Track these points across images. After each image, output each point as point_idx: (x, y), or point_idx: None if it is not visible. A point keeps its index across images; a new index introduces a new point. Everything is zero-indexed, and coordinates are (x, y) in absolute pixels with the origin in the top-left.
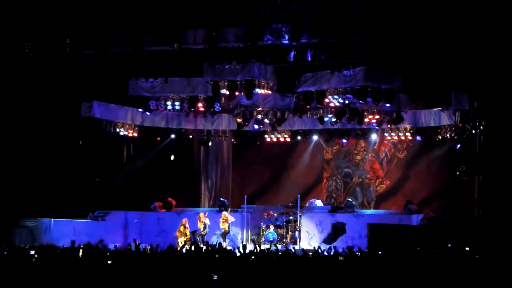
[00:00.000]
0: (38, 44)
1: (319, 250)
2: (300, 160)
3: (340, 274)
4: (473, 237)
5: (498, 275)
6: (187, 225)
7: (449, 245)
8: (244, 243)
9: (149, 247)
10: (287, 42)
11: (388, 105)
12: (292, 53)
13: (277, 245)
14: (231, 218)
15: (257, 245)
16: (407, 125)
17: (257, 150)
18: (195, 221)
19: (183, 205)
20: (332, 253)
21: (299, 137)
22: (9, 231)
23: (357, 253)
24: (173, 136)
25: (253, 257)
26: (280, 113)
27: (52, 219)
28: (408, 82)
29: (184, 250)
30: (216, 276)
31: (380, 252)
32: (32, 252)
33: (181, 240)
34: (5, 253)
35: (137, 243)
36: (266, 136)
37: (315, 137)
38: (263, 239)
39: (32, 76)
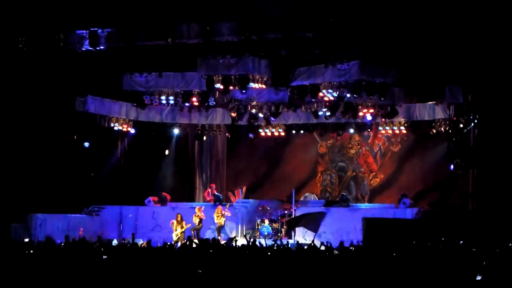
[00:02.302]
0: (32, 39)
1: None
2: (295, 154)
3: (335, 268)
4: (468, 231)
5: (492, 268)
6: (179, 218)
7: (443, 238)
8: (233, 236)
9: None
10: (281, 36)
11: (382, 99)
12: (287, 47)
13: (272, 239)
14: (226, 213)
15: (248, 238)
16: (401, 119)
17: (251, 145)
18: (190, 215)
19: (178, 199)
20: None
21: (293, 131)
22: (3, 226)
23: (351, 248)
24: (177, 131)
25: (247, 251)
26: (274, 107)
27: (47, 214)
28: (403, 76)
29: (179, 244)
30: (208, 271)
31: (375, 246)
32: (27, 240)
33: (176, 233)
34: None
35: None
36: (260, 130)
37: (309, 131)
38: (257, 233)
39: (26, 71)
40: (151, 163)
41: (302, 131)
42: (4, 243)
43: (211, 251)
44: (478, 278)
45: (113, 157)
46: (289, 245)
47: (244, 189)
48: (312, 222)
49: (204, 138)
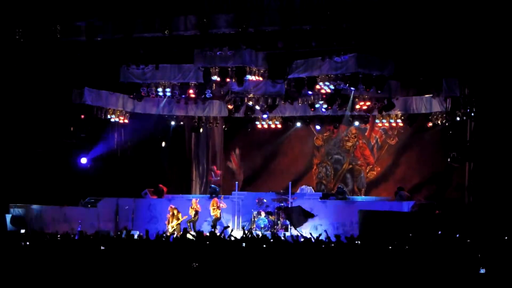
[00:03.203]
0: (29, 31)
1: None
2: (291, 146)
3: (331, 260)
4: (464, 224)
5: (488, 262)
6: (175, 211)
7: (439, 232)
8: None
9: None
10: (278, 28)
11: (379, 91)
12: (284, 40)
13: (269, 232)
14: (222, 205)
15: (247, 231)
16: (398, 112)
17: (248, 137)
18: (186, 207)
19: (174, 191)
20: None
21: (290, 124)
22: (0, 217)
23: (349, 240)
24: (173, 123)
25: (244, 244)
26: (271, 99)
27: (43, 206)
28: (399, 69)
29: (174, 236)
30: (204, 264)
31: (371, 239)
32: (23, 231)
33: (172, 225)
34: None
35: (128, 230)
36: (257, 122)
37: (306, 124)
38: (254, 225)
39: (23, 62)
40: (148, 155)
41: (298, 124)
42: (1, 234)
43: (207, 243)
44: (482, 271)
45: (110, 149)
46: (286, 238)
47: (237, 151)
48: (299, 218)
49: (201, 130)
